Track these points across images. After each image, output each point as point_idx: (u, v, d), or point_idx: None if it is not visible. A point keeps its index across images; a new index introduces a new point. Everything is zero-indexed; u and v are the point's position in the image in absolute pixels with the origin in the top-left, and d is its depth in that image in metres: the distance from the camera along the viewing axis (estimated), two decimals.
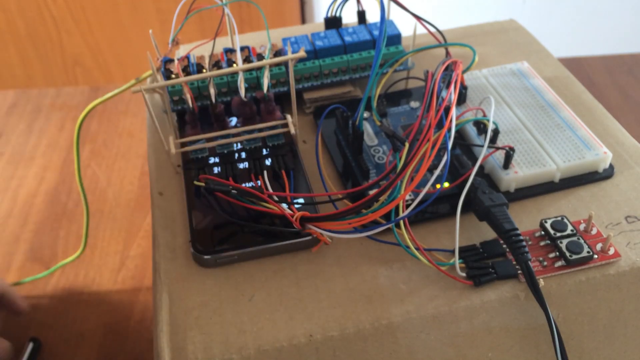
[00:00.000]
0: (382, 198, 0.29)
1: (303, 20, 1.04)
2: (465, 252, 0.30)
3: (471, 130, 0.36)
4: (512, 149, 0.33)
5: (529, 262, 0.29)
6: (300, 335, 0.28)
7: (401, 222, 0.29)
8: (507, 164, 0.33)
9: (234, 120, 0.38)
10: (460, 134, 0.37)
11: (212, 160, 0.35)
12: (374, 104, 0.35)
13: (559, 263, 0.30)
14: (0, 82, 1.05)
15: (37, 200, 0.62)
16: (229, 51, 0.39)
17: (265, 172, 0.34)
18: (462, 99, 0.38)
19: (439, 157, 0.34)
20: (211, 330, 0.28)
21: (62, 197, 0.62)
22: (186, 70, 0.38)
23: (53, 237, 0.58)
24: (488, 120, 0.33)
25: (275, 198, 0.32)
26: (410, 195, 0.31)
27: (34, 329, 0.50)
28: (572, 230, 0.30)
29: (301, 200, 0.33)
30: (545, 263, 0.30)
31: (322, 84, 0.40)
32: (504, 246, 0.30)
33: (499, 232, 0.30)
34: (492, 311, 0.29)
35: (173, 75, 0.37)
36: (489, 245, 0.31)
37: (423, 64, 0.43)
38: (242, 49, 0.39)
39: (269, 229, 0.31)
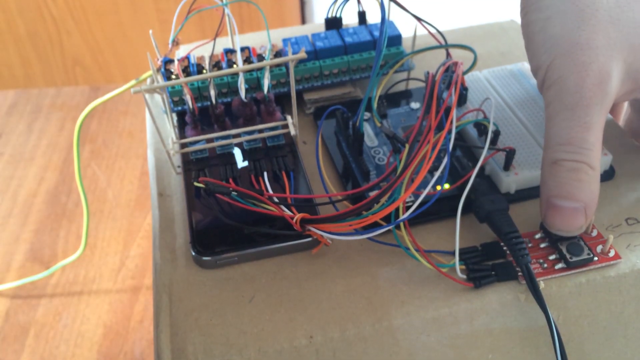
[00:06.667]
0: (383, 200, 0.29)
1: (303, 21, 1.04)
2: (466, 254, 0.30)
3: (472, 132, 0.36)
4: (512, 151, 0.33)
5: (529, 264, 0.28)
6: (301, 337, 0.28)
7: (401, 224, 0.29)
8: (507, 166, 0.33)
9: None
10: (461, 136, 0.37)
11: (212, 161, 0.35)
12: (375, 105, 0.35)
13: (559, 265, 0.30)
14: (0, 82, 1.05)
15: (37, 200, 0.62)
16: (229, 52, 0.39)
17: (265, 173, 0.34)
18: (462, 100, 0.38)
19: (439, 159, 0.34)
20: (211, 331, 0.28)
21: (62, 197, 0.62)
22: (186, 71, 0.38)
23: (53, 237, 0.58)
24: (488, 122, 0.33)
25: (276, 199, 0.32)
26: (410, 197, 0.31)
27: (34, 329, 0.50)
28: None
29: (301, 202, 0.33)
30: (545, 265, 0.30)
31: (323, 84, 0.40)
32: (505, 248, 0.30)
33: (499, 233, 0.30)
34: (492, 313, 0.29)
35: (173, 76, 0.37)
36: (490, 247, 0.31)
37: (423, 65, 0.43)
38: (243, 49, 0.39)
39: (269, 231, 0.31)
